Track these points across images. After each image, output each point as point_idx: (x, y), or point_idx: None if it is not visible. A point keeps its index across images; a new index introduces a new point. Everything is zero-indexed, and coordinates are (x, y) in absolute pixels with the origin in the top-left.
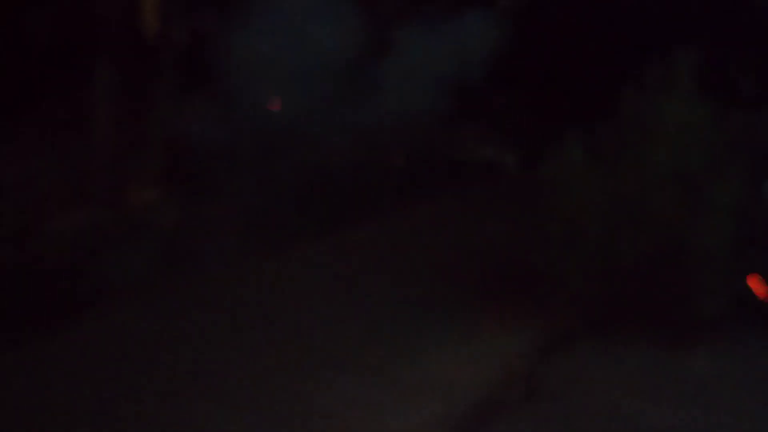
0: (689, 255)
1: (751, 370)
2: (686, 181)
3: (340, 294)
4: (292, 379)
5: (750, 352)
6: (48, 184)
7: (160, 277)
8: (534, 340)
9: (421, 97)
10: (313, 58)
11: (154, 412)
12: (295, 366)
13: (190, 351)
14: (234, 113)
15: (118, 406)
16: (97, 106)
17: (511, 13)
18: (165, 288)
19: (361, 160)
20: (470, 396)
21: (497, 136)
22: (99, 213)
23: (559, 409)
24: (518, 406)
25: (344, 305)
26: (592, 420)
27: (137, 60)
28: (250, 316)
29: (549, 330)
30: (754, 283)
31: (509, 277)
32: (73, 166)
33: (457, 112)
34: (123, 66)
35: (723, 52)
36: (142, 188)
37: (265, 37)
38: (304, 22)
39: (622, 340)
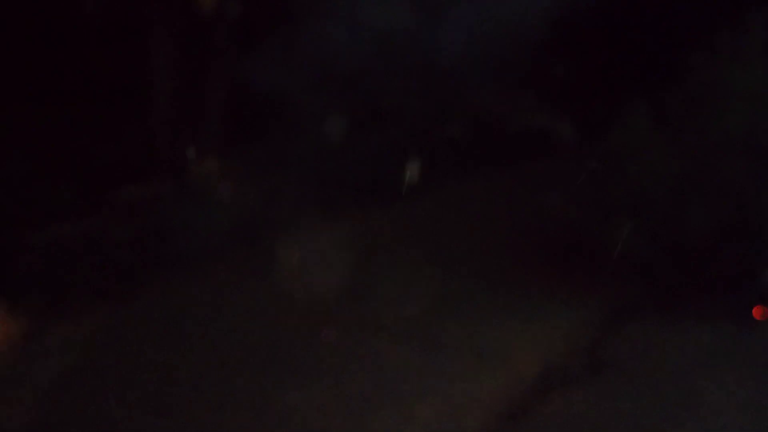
0: (759, 227)
1: None
2: (756, 151)
3: (408, 264)
4: (361, 343)
5: None
6: (111, 156)
7: (221, 248)
8: (599, 312)
9: (481, 67)
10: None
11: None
12: (361, 333)
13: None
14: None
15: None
16: (158, 77)
17: None
18: (227, 258)
19: (423, 130)
20: (534, 368)
21: (560, 104)
22: (162, 184)
23: (625, 382)
24: (583, 379)
25: (414, 275)
26: (658, 393)
27: (195, 33)
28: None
29: (614, 302)
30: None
31: (574, 248)
32: (135, 137)
33: (519, 80)
34: (182, 39)
35: None
36: (204, 159)
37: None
38: None
39: (690, 312)
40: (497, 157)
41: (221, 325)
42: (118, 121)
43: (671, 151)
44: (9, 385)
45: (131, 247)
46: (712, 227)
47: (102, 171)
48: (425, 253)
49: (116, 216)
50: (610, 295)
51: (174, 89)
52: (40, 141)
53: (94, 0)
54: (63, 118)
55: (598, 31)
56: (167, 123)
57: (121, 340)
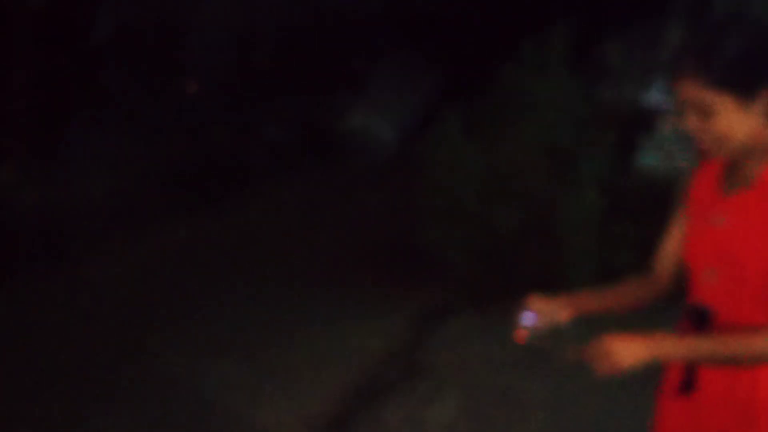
0: (560, 227)
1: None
2: (557, 156)
3: (217, 273)
4: (171, 362)
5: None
6: None
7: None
8: (415, 317)
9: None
10: None
11: None
12: (172, 350)
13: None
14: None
15: None
16: None
17: None
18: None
19: (233, 135)
20: (354, 376)
21: (379, 111)
22: None
23: (438, 385)
24: (399, 384)
25: (223, 284)
26: (469, 394)
27: None
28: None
29: (430, 305)
30: None
31: (391, 252)
32: None
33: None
34: None
35: (593, 30)
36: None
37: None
38: None
39: (499, 312)
40: (314, 160)
41: (23, 345)
42: None
43: (480, 156)
44: None
45: None
46: (516, 230)
47: None
48: (237, 263)
49: None
50: (425, 298)
51: None
52: None
53: None
54: None
55: (412, 43)
56: None
57: None
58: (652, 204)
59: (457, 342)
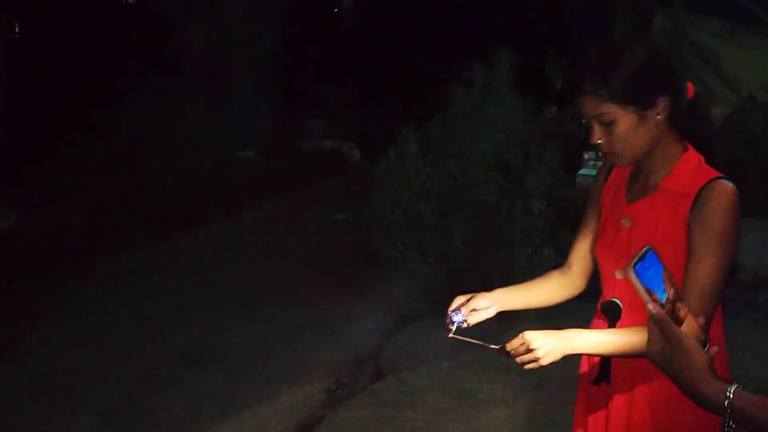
0: (510, 235)
1: None
2: (505, 171)
3: (186, 288)
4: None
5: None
6: None
7: None
8: (381, 323)
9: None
10: None
11: None
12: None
13: None
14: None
15: None
16: None
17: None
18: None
19: (207, 155)
20: (324, 383)
21: (342, 130)
22: None
23: (399, 388)
24: (366, 386)
25: (190, 297)
26: (429, 395)
27: None
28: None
29: (394, 310)
30: None
31: (354, 264)
32: None
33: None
34: None
35: (537, 52)
36: None
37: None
38: None
39: None
40: (283, 177)
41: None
42: None
43: (435, 172)
44: None
45: None
46: (471, 238)
47: None
48: (207, 275)
49: None
50: (387, 306)
51: None
52: None
53: None
54: None
55: (374, 66)
56: None
57: None
58: None
59: (418, 345)
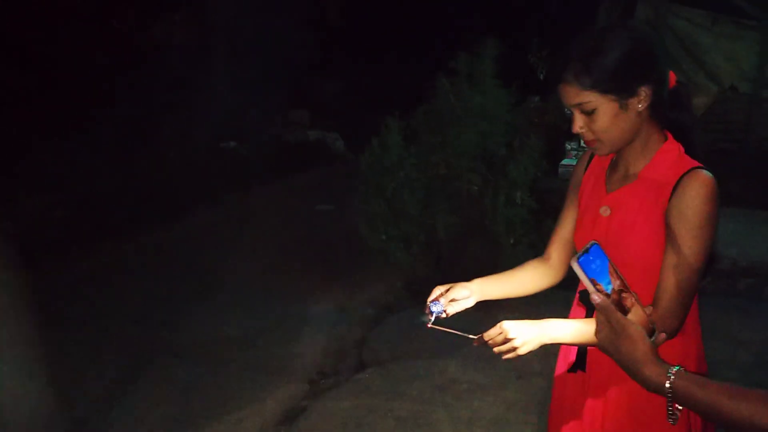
0: (494, 225)
1: None
2: (489, 162)
3: (169, 280)
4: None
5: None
6: None
7: None
8: (363, 314)
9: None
10: None
11: None
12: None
13: None
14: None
15: None
16: None
17: None
18: None
19: (193, 147)
20: (310, 374)
21: (327, 121)
22: None
23: (382, 378)
24: (350, 377)
25: (173, 290)
26: (412, 385)
27: None
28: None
29: (378, 301)
30: None
31: (338, 256)
32: None
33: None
34: None
35: (522, 42)
36: None
37: None
38: None
39: None
40: (267, 168)
41: None
42: None
43: (419, 162)
44: None
45: None
46: (455, 228)
47: None
48: (191, 266)
49: None
50: (371, 298)
51: None
52: None
53: None
54: None
55: (360, 57)
56: None
57: None
58: None
59: (401, 336)
